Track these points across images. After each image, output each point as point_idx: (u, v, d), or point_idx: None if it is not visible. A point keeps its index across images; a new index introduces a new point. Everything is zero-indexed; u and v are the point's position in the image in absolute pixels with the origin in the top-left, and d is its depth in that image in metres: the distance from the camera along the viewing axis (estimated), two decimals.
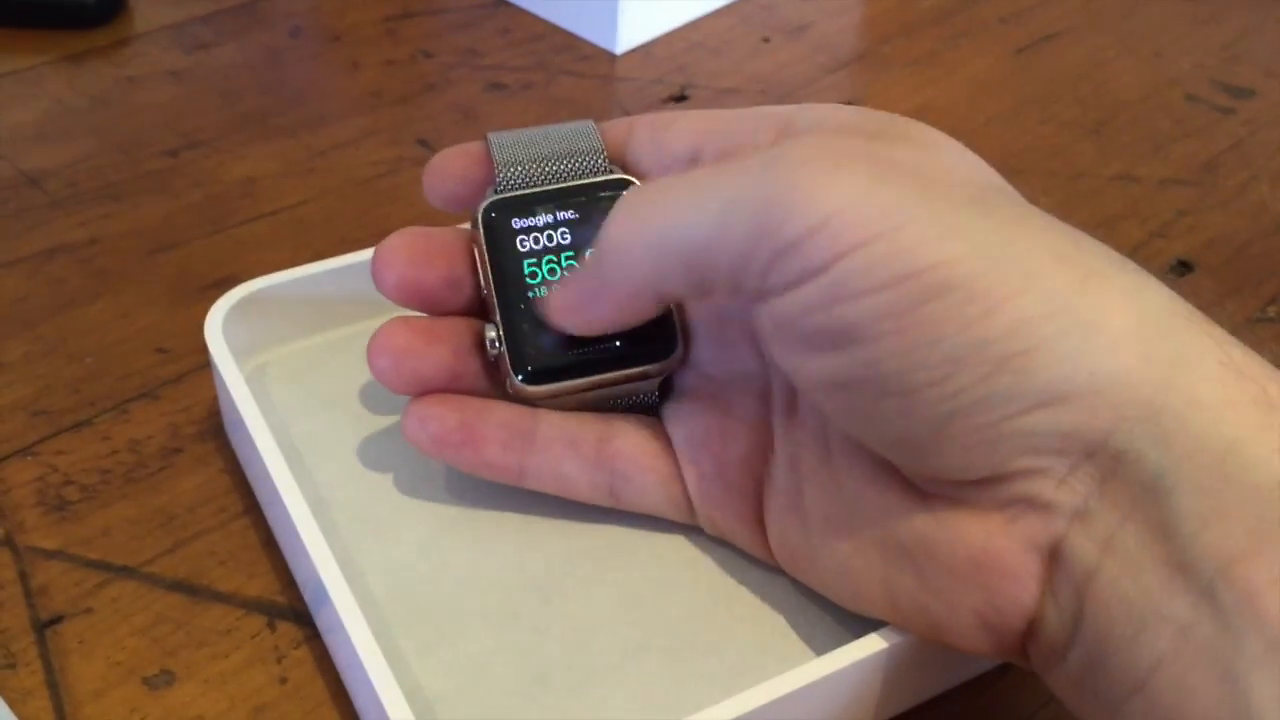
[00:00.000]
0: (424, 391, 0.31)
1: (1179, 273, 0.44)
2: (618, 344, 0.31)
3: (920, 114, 0.51)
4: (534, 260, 0.31)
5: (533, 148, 0.32)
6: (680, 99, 0.51)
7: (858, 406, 0.25)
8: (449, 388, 0.31)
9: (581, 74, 0.53)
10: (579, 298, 0.29)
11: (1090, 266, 0.24)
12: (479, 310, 0.32)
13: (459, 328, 0.32)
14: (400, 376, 0.31)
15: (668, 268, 0.27)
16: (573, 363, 0.31)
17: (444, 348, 0.31)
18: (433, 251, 0.31)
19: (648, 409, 0.32)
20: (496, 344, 0.31)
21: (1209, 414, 0.23)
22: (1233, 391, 0.23)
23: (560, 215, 0.32)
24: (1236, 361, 0.24)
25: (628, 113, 0.50)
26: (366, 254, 0.35)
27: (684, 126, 0.31)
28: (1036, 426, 0.23)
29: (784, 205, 0.24)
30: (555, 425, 0.31)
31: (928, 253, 0.23)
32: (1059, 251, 0.24)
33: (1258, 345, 0.24)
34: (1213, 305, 0.42)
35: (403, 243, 0.31)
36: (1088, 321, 0.23)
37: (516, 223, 0.31)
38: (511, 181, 0.32)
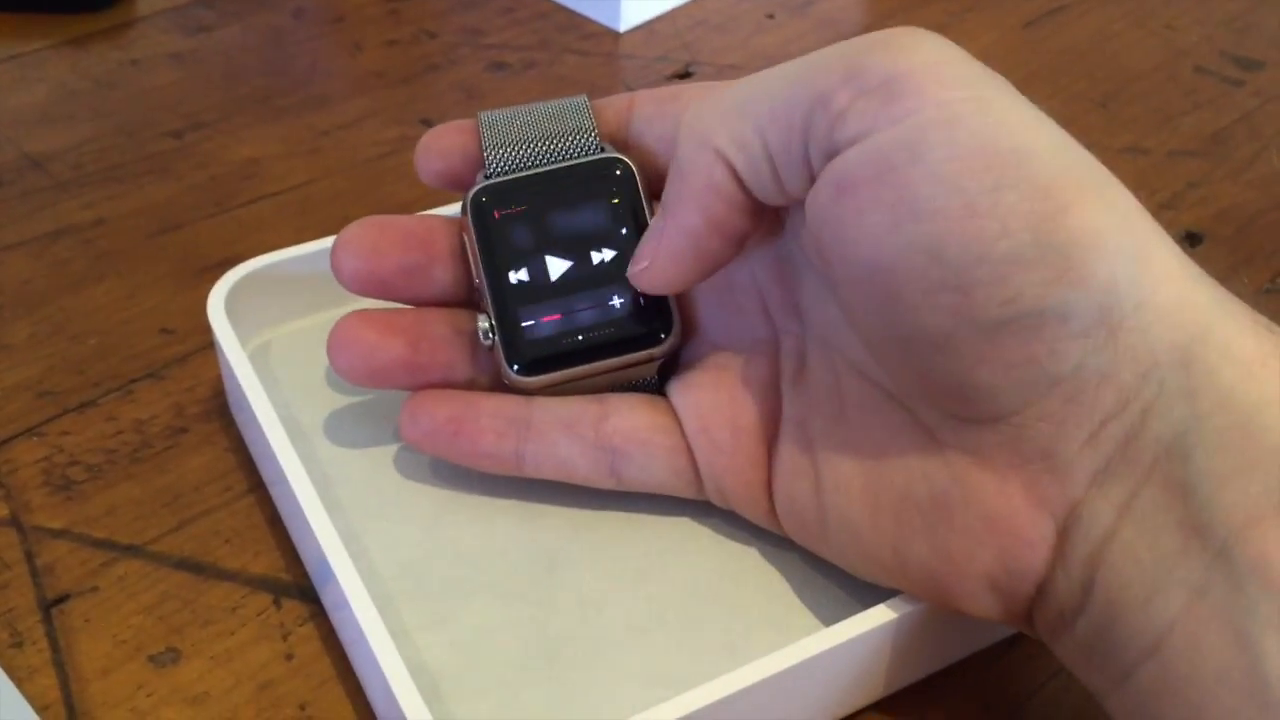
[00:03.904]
0: (385, 384, 0.31)
1: (1188, 244, 0.43)
2: (615, 329, 0.31)
3: None
4: None
5: (523, 128, 0.31)
6: (684, 76, 0.51)
7: (909, 300, 0.24)
8: (413, 379, 0.31)
9: (585, 52, 0.52)
10: (648, 253, 0.29)
11: (1134, 204, 0.24)
12: (461, 298, 0.32)
13: (422, 319, 0.31)
14: (354, 369, 0.31)
15: (743, 133, 0.27)
16: (569, 350, 0.31)
17: (399, 340, 0.31)
18: (386, 241, 0.31)
19: (647, 392, 0.32)
20: (490, 335, 0.31)
21: (1239, 370, 0.23)
22: (1265, 347, 0.23)
23: (551, 199, 0.31)
24: (1263, 320, 0.24)
25: (632, 91, 0.50)
26: None
27: (691, 96, 0.31)
28: (1083, 358, 0.23)
29: (871, 54, 0.24)
30: (550, 410, 0.31)
31: (1009, 134, 0.23)
32: (1115, 180, 0.24)
33: (1267, 316, 0.24)
34: (1222, 277, 0.42)
35: (357, 234, 0.31)
36: (1139, 249, 0.23)
37: (506, 210, 0.31)
38: (501, 164, 0.31)
